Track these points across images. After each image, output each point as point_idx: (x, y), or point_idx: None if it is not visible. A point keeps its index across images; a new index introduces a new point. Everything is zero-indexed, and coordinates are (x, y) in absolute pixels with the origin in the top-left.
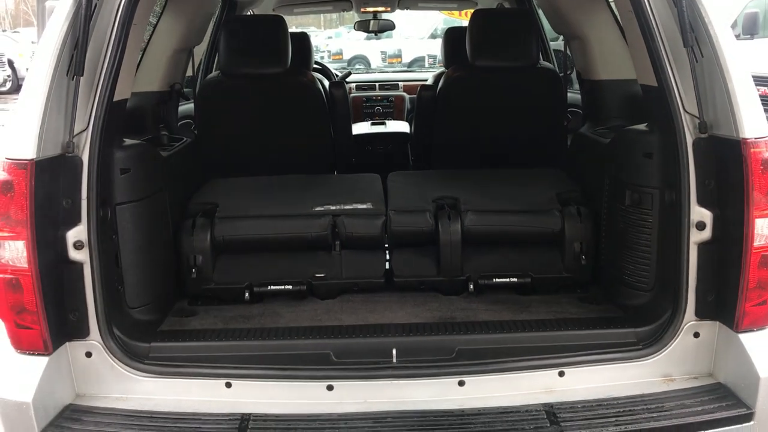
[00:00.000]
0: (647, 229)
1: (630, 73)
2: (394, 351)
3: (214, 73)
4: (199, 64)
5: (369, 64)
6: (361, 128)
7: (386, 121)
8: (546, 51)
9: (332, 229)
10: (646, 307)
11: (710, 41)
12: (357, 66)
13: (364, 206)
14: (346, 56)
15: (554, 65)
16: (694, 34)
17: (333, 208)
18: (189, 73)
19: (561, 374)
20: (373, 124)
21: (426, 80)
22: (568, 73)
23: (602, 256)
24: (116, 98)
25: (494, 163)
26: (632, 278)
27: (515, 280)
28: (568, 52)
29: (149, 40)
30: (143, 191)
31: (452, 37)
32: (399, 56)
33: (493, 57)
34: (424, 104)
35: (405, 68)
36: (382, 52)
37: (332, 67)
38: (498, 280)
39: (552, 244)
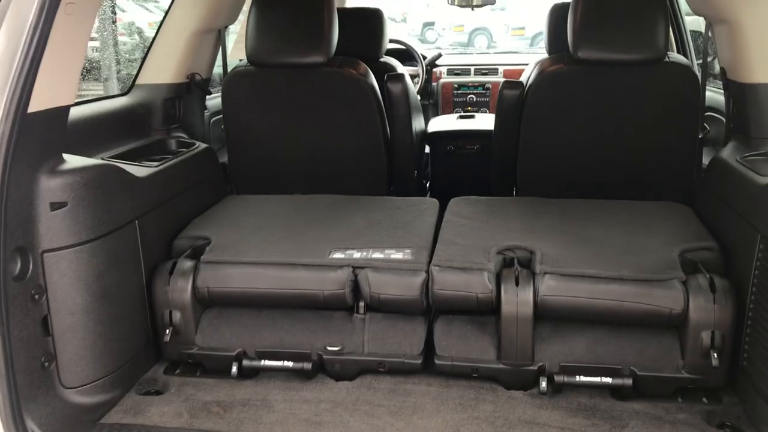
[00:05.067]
0: None
1: None
2: None
3: (242, 63)
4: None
5: (491, 37)
6: (443, 123)
7: (475, 114)
8: (681, 34)
9: (353, 285)
10: None
11: None
12: (476, 37)
13: (399, 255)
14: (468, 29)
15: (690, 55)
16: None
17: (357, 256)
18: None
19: None
20: (461, 117)
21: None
22: (709, 60)
23: (746, 355)
24: (43, 107)
25: (596, 191)
26: None
27: (609, 379)
28: (710, 40)
29: (162, 20)
30: (92, 230)
31: (558, 15)
32: (522, 28)
33: (602, 47)
34: (506, 107)
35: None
36: (505, 25)
37: (449, 40)
38: (584, 378)
39: (668, 330)
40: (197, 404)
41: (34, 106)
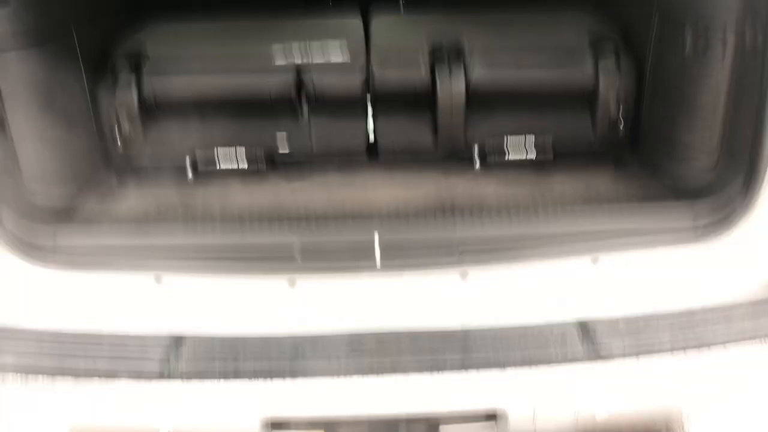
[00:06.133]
0: (712, 86)
1: None
2: (377, 247)
3: None
4: None
5: None
6: None
7: None
8: None
9: (298, 87)
10: (706, 182)
11: None
12: None
13: (339, 58)
14: None
15: None
16: None
17: (299, 60)
18: None
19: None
20: None
21: None
22: None
23: (646, 119)
24: None
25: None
26: (687, 150)
27: (534, 150)
28: None
29: None
30: (36, 34)
31: None
32: None
33: None
34: None
35: None
36: None
37: None
38: (512, 155)
39: (582, 103)
40: (163, 202)
41: None
